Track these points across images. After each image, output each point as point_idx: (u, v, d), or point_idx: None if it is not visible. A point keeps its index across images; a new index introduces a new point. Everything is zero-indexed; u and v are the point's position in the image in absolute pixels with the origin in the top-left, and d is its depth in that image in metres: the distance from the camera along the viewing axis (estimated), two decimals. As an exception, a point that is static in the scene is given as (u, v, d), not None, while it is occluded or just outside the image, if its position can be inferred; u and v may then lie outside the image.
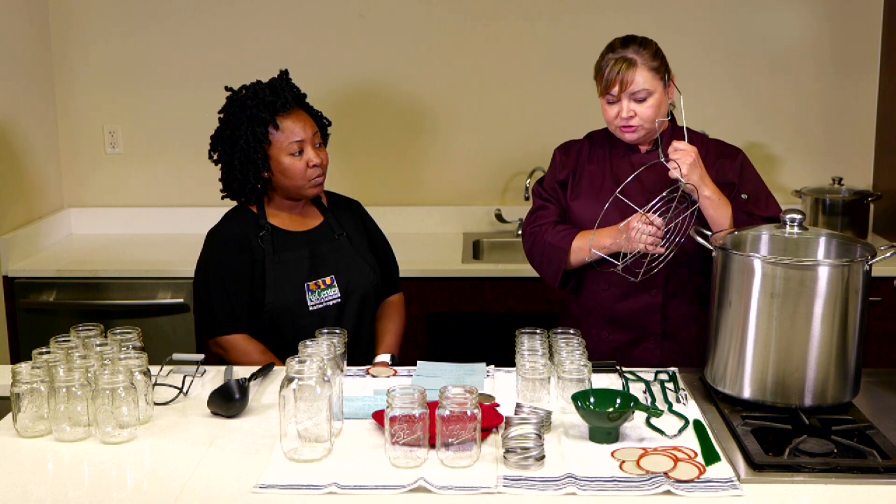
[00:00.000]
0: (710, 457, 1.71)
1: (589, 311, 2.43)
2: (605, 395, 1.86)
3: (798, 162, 3.77)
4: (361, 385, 2.09)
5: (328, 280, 2.41)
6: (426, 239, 3.71)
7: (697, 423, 1.86)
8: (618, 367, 2.15)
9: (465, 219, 3.84)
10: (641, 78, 2.26)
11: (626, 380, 2.09)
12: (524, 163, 3.76)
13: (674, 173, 2.18)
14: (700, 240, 2.06)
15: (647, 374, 2.14)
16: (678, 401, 1.98)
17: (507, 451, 1.69)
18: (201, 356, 2.12)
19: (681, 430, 1.83)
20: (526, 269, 2.52)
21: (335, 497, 1.59)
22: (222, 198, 2.47)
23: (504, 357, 2.16)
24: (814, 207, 3.56)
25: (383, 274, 2.57)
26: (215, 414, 1.93)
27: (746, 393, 1.92)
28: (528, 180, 3.71)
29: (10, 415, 1.86)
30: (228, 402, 1.93)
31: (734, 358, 1.93)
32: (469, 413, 1.67)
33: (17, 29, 3.53)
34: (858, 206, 3.54)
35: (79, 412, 1.81)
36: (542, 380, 1.95)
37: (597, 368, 2.08)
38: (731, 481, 1.63)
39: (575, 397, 1.83)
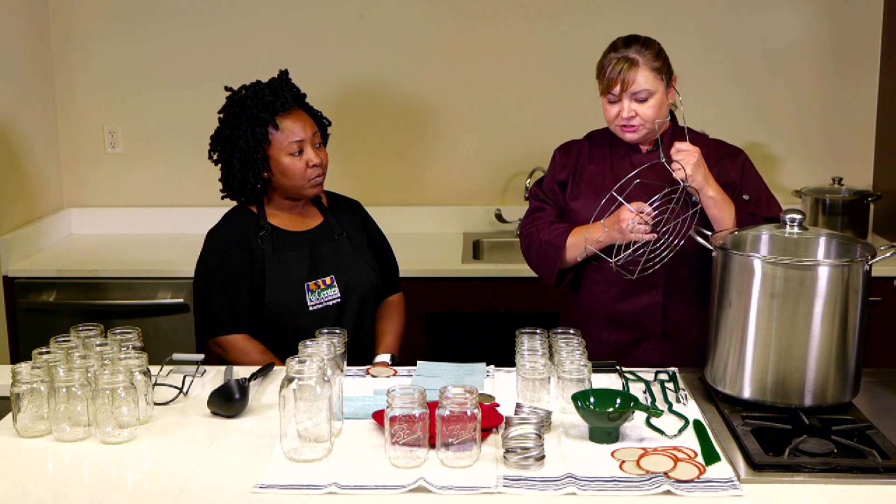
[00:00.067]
0: (710, 457, 1.71)
1: (589, 311, 2.43)
2: (605, 395, 1.86)
3: (798, 162, 3.77)
4: (361, 385, 2.09)
5: (328, 280, 2.41)
6: (426, 239, 3.71)
7: (697, 423, 1.86)
8: (618, 368, 2.15)
9: (465, 219, 3.83)
10: (643, 78, 2.26)
11: (626, 380, 2.09)
12: (524, 163, 3.76)
13: (678, 175, 2.18)
14: (700, 240, 2.06)
15: (647, 374, 2.14)
16: (678, 401, 1.98)
17: (507, 451, 1.69)
18: (201, 356, 2.12)
19: (681, 430, 1.82)
20: (526, 270, 2.52)
21: (335, 497, 1.59)
22: (222, 198, 2.47)
23: (504, 357, 2.16)
24: (814, 207, 3.56)
25: (383, 274, 2.57)
26: (215, 414, 1.93)
27: (746, 393, 1.92)
28: (528, 180, 3.71)
29: (10, 415, 1.86)
30: (228, 402, 1.93)
31: (734, 358, 1.93)
32: (469, 413, 1.67)
33: (17, 29, 3.52)
34: (858, 206, 3.54)
35: (79, 412, 1.81)
36: (542, 380, 1.94)
37: (597, 368, 2.08)
38: (731, 481, 1.63)
39: (575, 397, 1.83)
